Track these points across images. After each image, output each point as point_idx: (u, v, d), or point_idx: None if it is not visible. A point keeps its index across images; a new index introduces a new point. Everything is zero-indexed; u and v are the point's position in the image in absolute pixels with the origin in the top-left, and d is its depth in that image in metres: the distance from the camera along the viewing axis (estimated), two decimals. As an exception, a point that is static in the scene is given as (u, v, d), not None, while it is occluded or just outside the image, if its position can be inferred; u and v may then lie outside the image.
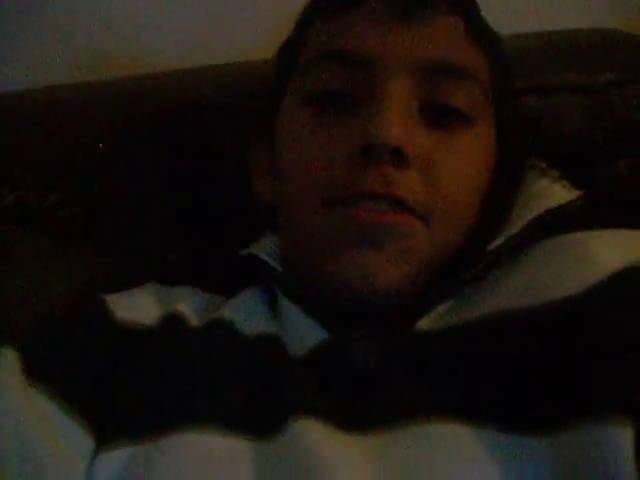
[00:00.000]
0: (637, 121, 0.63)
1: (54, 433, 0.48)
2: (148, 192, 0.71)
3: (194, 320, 0.56)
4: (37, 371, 0.50)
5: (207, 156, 0.71)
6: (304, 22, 0.61)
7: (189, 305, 0.58)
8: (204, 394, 0.50)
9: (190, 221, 0.71)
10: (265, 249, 0.61)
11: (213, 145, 0.71)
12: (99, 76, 0.81)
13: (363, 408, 0.48)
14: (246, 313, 0.57)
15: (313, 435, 0.46)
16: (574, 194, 0.55)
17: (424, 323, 0.52)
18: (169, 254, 0.70)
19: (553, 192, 0.56)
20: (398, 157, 0.50)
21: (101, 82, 0.79)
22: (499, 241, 0.53)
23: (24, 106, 0.76)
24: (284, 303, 0.57)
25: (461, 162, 0.54)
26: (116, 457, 0.48)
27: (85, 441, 0.49)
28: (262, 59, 0.78)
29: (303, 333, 0.54)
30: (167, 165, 0.71)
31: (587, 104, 0.67)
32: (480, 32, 0.57)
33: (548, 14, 0.84)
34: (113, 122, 0.72)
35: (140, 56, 0.83)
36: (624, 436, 0.40)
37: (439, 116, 0.54)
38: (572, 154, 0.64)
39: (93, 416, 0.50)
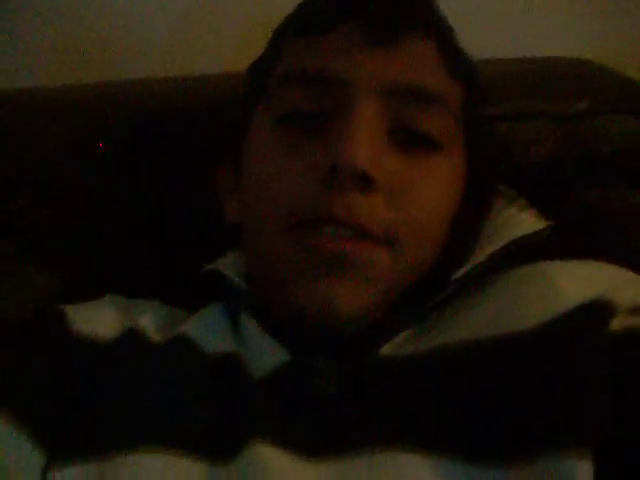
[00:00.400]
0: (605, 152, 0.63)
1: (3, 449, 0.48)
2: (114, 199, 0.70)
3: (155, 336, 0.55)
4: None
5: (172, 167, 0.70)
6: (276, 42, 0.61)
7: (150, 319, 0.57)
8: (162, 414, 0.49)
9: (155, 232, 0.70)
10: (229, 265, 0.60)
11: (177, 156, 0.70)
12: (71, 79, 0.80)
13: (322, 434, 0.48)
14: (208, 330, 0.56)
15: (270, 461, 0.45)
16: (541, 224, 0.55)
17: (387, 349, 0.51)
18: (132, 262, 0.69)
19: (520, 221, 0.56)
20: (364, 181, 0.50)
21: (71, 86, 0.78)
22: (465, 269, 0.53)
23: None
24: (246, 321, 0.56)
25: (429, 187, 0.53)
26: (68, 475, 0.48)
27: (36, 458, 0.48)
28: (230, 72, 0.79)
29: (264, 353, 0.53)
30: (132, 174, 0.70)
31: (558, 132, 0.67)
32: (454, 57, 0.57)
33: (523, 41, 0.84)
34: (81, 129, 0.71)
35: (114, 62, 0.82)
36: (583, 468, 0.40)
37: (409, 140, 0.53)
38: (541, 182, 0.64)
39: (46, 433, 0.49)
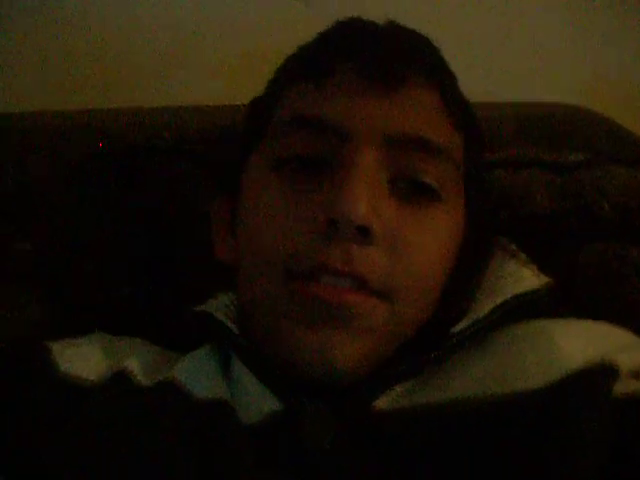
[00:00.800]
0: (606, 209, 0.63)
1: None
2: (101, 231, 0.69)
3: (143, 379, 0.54)
4: None
5: (161, 201, 0.69)
6: (277, 82, 0.60)
7: (138, 362, 0.55)
8: (150, 466, 0.48)
9: (143, 266, 0.68)
10: (221, 307, 0.59)
11: (166, 190, 0.69)
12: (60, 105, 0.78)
13: None
14: (198, 374, 0.54)
15: None
16: (542, 281, 0.54)
17: (382, 402, 0.50)
18: (121, 289, 0.67)
19: (521, 277, 0.55)
20: (363, 234, 0.49)
21: (58, 112, 0.76)
22: (464, 324, 0.52)
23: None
24: (237, 365, 0.55)
25: (428, 239, 0.52)
26: None
27: None
28: (223, 104, 0.78)
29: (256, 400, 0.52)
30: (120, 206, 0.69)
31: (556, 183, 0.67)
32: (456, 106, 0.56)
33: (519, 85, 0.85)
34: (66, 156, 0.69)
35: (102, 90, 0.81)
36: None
37: (409, 190, 0.53)
38: (539, 234, 0.64)
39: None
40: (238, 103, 0.67)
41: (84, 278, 0.67)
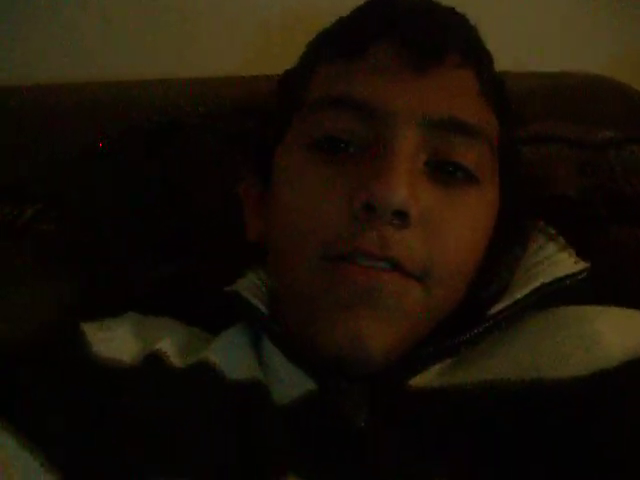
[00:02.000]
0: (635, 188, 0.63)
1: (16, 473, 0.46)
2: (129, 209, 0.68)
3: (177, 360, 0.54)
4: (5, 412, 0.48)
5: (192, 178, 0.68)
6: (309, 59, 0.59)
7: (171, 343, 0.55)
8: (185, 448, 0.48)
9: (174, 243, 0.68)
10: (250, 287, 0.59)
11: (196, 167, 0.69)
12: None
13: (352, 470, 0.47)
14: (230, 355, 0.54)
15: None
16: (580, 265, 0.54)
17: (417, 381, 0.51)
18: (151, 269, 0.67)
19: (560, 260, 0.55)
20: (400, 218, 0.49)
21: (80, 85, 0.75)
22: (501, 306, 0.52)
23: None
24: (268, 346, 0.55)
25: (464, 222, 0.52)
26: None
27: None
28: (247, 75, 0.76)
29: (289, 381, 0.52)
30: (149, 184, 0.68)
31: (583, 160, 0.66)
32: (492, 87, 0.56)
33: (540, 54, 0.83)
34: (92, 133, 0.68)
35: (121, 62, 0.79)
36: None
37: (444, 172, 0.52)
38: (565, 215, 0.63)
39: (63, 462, 0.48)
40: (266, 73, 0.66)
41: (112, 259, 0.66)
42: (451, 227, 0.51)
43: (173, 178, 0.69)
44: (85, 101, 0.73)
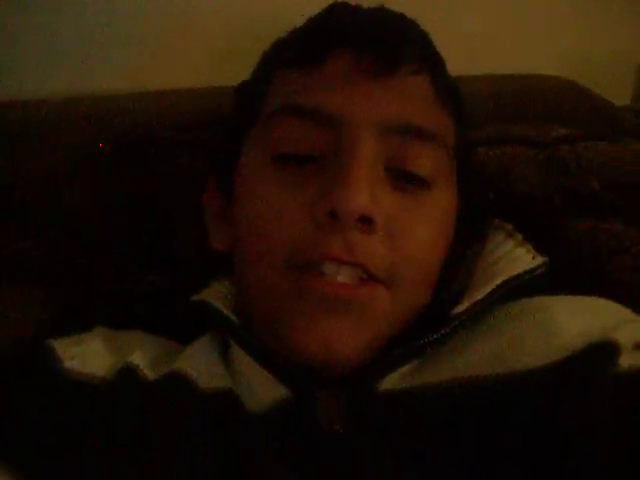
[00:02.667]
0: (594, 186, 0.64)
1: None
2: (101, 225, 0.68)
3: (149, 373, 0.54)
4: None
5: (161, 191, 0.69)
6: (266, 68, 0.60)
7: (143, 355, 0.55)
8: (162, 460, 0.48)
9: (145, 256, 0.68)
10: (216, 295, 0.59)
11: (159, 178, 0.69)
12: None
13: (329, 476, 0.48)
14: (201, 365, 0.55)
15: None
16: (538, 260, 0.56)
17: (386, 383, 0.52)
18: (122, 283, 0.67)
19: (518, 257, 0.56)
20: (364, 223, 0.50)
21: (47, 101, 0.75)
22: (463, 306, 0.53)
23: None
24: (238, 354, 0.56)
25: (425, 225, 0.53)
26: None
27: None
28: (208, 86, 0.77)
29: (260, 388, 0.53)
30: (121, 198, 0.69)
31: (539, 158, 0.68)
32: (447, 91, 0.57)
33: (498, 58, 0.85)
34: (60, 148, 0.68)
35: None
36: None
37: (403, 177, 0.53)
38: (525, 212, 0.65)
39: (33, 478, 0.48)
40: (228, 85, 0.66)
41: (84, 273, 0.66)
42: (413, 231, 0.52)
43: (139, 191, 0.69)
44: (51, 116, 0.73)
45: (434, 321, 0.53)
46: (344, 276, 0.50)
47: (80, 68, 0.78)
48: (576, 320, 0.51)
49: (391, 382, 0.51)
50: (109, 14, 0.78)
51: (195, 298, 0.59)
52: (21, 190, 0.67)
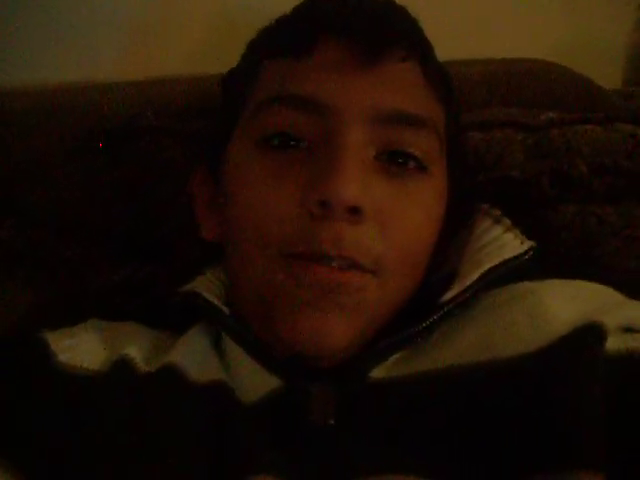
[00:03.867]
0: (582, 170, 0.64)
1: None
2: (87, 213, 0.68)
3: (144, 365, 0.54)
4: None
5: (149, 180, 0.69)
6: (253, 58, 0.59)
7: (137, 348, 0.55)
8: (158, 454, 0.48)
9: (132, 247, 0.68)
10: (209, 285, 0.59)
11: (151, 170, 0.69)
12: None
13: (324, 466, 0.48)
14: (194, 357, 0.55)
15: None
16: (526, 245, 0.56)
17: (378, 372, 0.52)
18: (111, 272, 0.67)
19: (506, 242, 0.56)
20: (354, 213, 0.50)
21: (32, 90, 0.75)
22: (451, 293, 0.53)
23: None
24: (229, 345, 0.56)
25: (416, 212, 0.53)
26: None
27: None
28: (198, 74, 0.77)
29: (252, 380, 0.53)
30: (107, 187, 0.68)
31: (528, 141, 0.68)
32: (436, 78, 0.57)
33: (487, 42, 0.85)
34: (45, 137, 0.68)
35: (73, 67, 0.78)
36: None
37: (394, 165, 0.53)
38: (514, 196, 0.65)
39: (35, 476, 0.48)
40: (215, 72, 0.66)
41: (75, 265, 0.66)
42: (404, 219, 0.52)
43: (131, 181, 0.69)
44: (36, 105, 0.72)
45: (423, 307, 0.54)
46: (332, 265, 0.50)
47: (69, 56, 0.78)
48: (564, 305, 0.51)
49: (381, 371, 0.52)
50: (92, 3, 0.78)
51: (186, 288, 0.59)
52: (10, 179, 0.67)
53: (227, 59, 0.62)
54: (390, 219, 0.52)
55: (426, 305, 0.54)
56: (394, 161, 0.53)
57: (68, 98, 0.73)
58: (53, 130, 0.70)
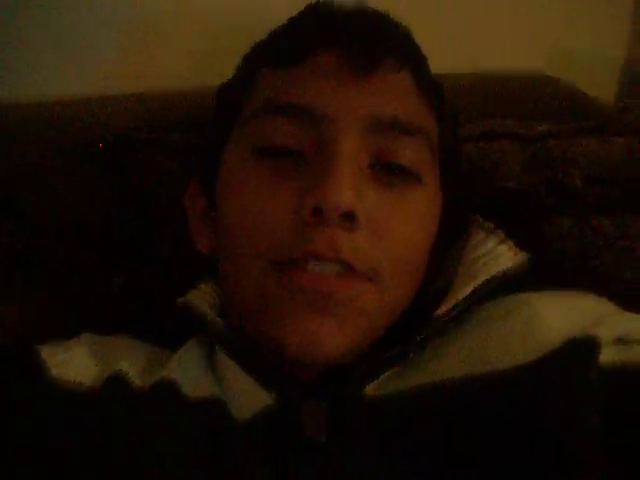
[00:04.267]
0: (577, 181, 0.64)
1: None
2: (84, 219, 0.68)
3: (139, 380, 0.54)
4: None
5: (143, 190, 0.69)
6: (248, 70, 0.60)
7: (132, 363, 0.55)
8: (154, 471, 0.48)
9: (130, 259, 0.68)
10: (204, 297, 0.59)
11: (148, 182, 0.69)
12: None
13: None
14: (189, 373, 0.55)
15: None
16: (520, 257, 0.56)
17: (371, 388, 0.51)
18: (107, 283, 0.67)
19: (500, 254, 0.56)
20: (348, 220, 0.50)
21: (29, 105, 0.75)
22: (445, 307, 0.53)
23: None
24: (223, 359, 0.55)
25: (409, 221, 0.53)
26: None
27: None
28: (193, 87, 0.77)
29: (245, 395, 0.53)
30: (104, 199, 0.68)
31: (525, 153, 0.68)
32: (429, 88, 0.57)
33: (482, 53, 0.85)
34: (44, 146, 0.68)
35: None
36: None
37: (388, 173, 0.53)
38: (511, 208, 0.65)
39: None
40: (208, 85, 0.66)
41: (70, 266, 0.66)
42: (398, 227, 0.52)
43: (129, 190, 0.69)
44: (35, 117, 0.73)
45: (418, 319, 0.54)
46: (327, 271, 0.50)
47: (61, 70, 0.78)
48: (559, 317, 0.51)
49: (374, 388, 0.51)
50: (87, 16, 0.78)
51: (180, 300, 0.59)
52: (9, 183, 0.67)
53: (221, 72, 0.63)
54: (383, 227, 0.51)
55: (421, 317, 0.54)
56: (388, 170, 0.53)
57: (67, 110, 0.73)
58: (52, 141, 0.71)
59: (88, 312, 0.64)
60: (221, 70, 0.63)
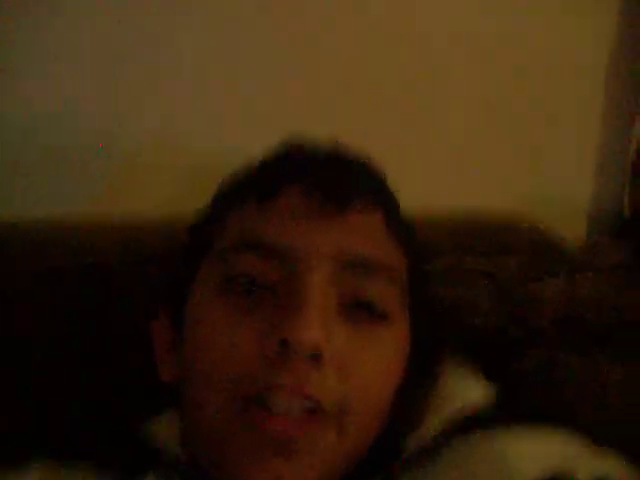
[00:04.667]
0: (544, 322, 0.65)
1: None
2: (50, 350, 0.67)
3: None
4: None
5: (117, 322, 0.68)
6: (220, 206, 0.61)
7: None
8: None
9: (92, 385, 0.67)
10: (167, 426, 0.58)
11: (117, 310, 0.69)
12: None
13: None
14: None
15: None
16: (489, 391, 0.56)
17: None
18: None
19: (468, 388, 0.56)
20: (315, 357, 0.49)
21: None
22: (413, 446, 0.53)
23: None
24: None
25: (377, 359, 0.53)
26: None
27: None
28: (166, 218, 0.78)
29: None
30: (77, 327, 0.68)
31: (490, 288, 0.69)
32: (399, 229, 0.58)
33: (452, 192, 0.88)
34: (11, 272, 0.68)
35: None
36: None
37: (356, 311, 0.53)
38: (483, 343, 0.65)
39: None
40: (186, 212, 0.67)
41: (27, 400, 0.65)
42: (364, 365, 0.52)
43: (98, 320, 0.69)
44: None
45: (385, 459, 0.52)
46: (293, 410, 0.49)
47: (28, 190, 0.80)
48: (531, 454, 0.50)
49: None
50: (73, 148, 0.80)
51: (141, 432, 0.57)
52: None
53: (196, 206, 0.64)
54: (350, 365, 0.51)
55: (389, 451, 0.53)
56: (356, 308, 0.53)
57: (32, 235, 0.73)
58: (16, 266, 0.71)
59: (47, 437, 0.62)
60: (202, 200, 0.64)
